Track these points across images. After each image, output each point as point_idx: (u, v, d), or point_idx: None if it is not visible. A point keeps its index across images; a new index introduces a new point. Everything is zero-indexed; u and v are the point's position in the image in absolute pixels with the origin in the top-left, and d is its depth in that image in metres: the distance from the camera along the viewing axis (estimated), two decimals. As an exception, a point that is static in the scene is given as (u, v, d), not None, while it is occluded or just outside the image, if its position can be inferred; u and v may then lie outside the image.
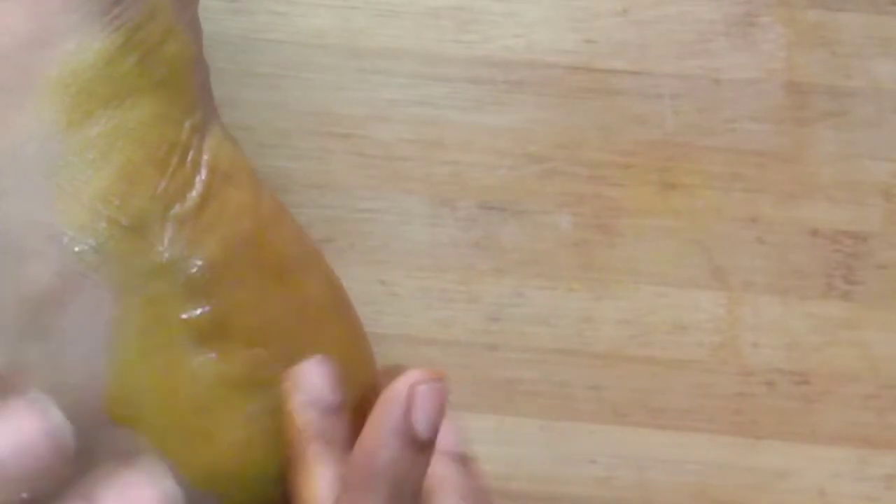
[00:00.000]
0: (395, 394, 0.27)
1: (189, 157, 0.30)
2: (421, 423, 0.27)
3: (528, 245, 0.39)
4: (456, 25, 0.40)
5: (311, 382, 0.30)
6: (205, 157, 0.30)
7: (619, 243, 0.39)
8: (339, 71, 0.39)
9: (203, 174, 0.30)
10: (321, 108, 0.39)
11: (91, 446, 0.27)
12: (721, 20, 0.40)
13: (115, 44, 0.28)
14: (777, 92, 0.40)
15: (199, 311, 0.29)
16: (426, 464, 0.28)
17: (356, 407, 0.31)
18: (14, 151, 0.27)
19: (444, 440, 0.29)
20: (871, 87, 0.40)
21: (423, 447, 0.27)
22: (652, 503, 0.38)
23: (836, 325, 0.39)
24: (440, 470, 0.30)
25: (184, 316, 0.29)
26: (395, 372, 0.29)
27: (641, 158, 0.39)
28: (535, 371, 0.38)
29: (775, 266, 0.39)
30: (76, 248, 0.27)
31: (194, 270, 0.29)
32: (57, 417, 0.25)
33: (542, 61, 0.40)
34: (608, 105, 0.39)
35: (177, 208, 0.29)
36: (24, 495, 0.24)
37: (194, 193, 0.29)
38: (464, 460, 0.31)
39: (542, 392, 0.38)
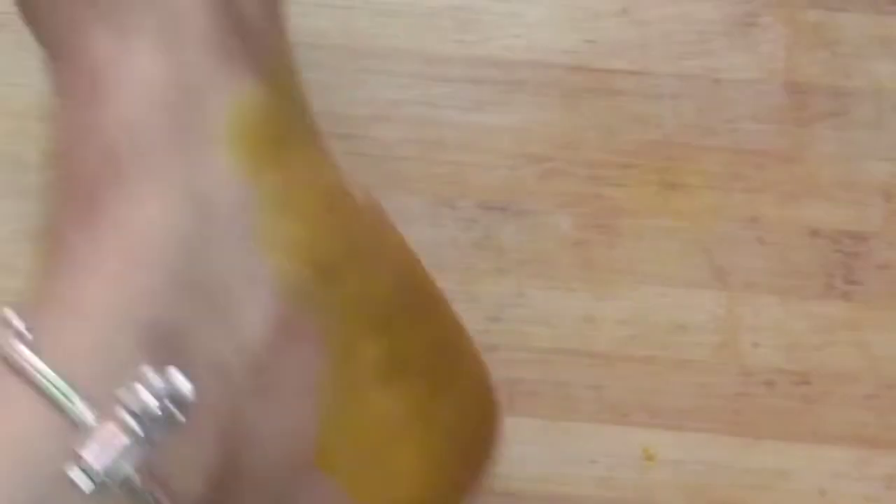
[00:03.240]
0: None
1: (350, 194, 0.30)
2: None
3: (528, 245, 0.39)
4: (456, 25, 0.40)
5: None
6: (357, 194, 0.30)
7: (619, 243, 0.39)
8: (339, 71, 0.39)
9: (362, 211, 0.30)
10: (321, 108, 0.39)
11: (294, 493, 0.28)
12: (721, 20, 0.40)
13: (264, 91, 0.28)
14: (777, 92, 0.40)
15: (381, 349, 0.29)
16: None
17: (490, 427, 0.32)
18: (210, 199, 0.27)
19: None
20: (871, 87, 0.40)
21: None
22: (652, 503, 0.38)
23: (836, 325, 0.39)
24: None
25: (369, 354, 0.29)
26: None
27: (641, 158, 0.39)
28: (535, 371, 0.38)
29: (775, 266, 0.39)
30: (279, 293, 0.27)
31: (372, 307, 0.29)
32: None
33: (542, 61, 0.40)
34: (608, 105, 0.39)
35: (352, 245, 0.29)
36: None
37: (364, 230, 0.29)
38: None
39: (542, 392, 0.38)
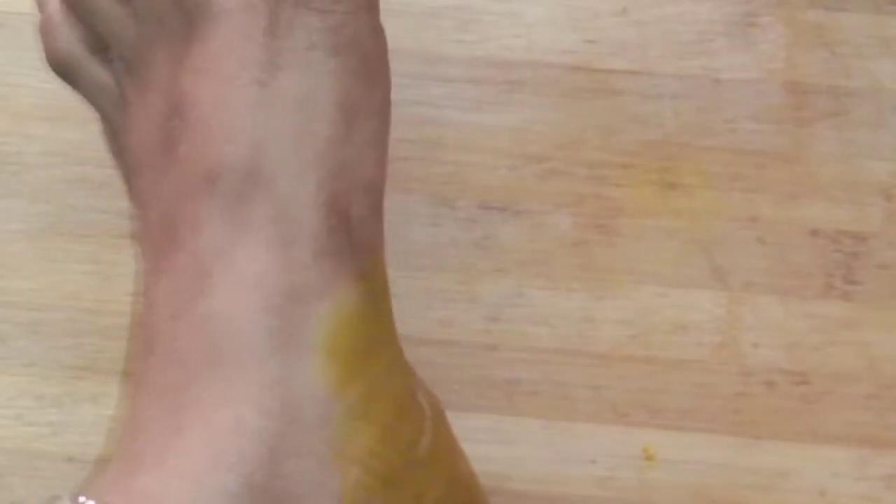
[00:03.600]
0: None
1: (417, 400, 0.30)
2: None
3: (528, 245, 0.39)
4: (456, 25, 0.40)
5: None
6: (420, 397, 0.31)
7: (619, 243, 0.39)
8: (339, 71, 0.39)
9: (427, 415, 0.30)
10: (321, 108, 0.39)
11: None
12: (721, 20, 0.40)
13: (362, 296, 0.29)
14: (777, 92, 0.40)
15: None
16: None
17: None
18: (297, 410, 0.28)
19: None
20: (871, 87, 0.40)
21: None
22: (652, 503, 0.38)
23: (836, 325, 0.39)
24: None
25: None
26: None
27: (641, 158, 0.39)
28: (535, 371, 0.38)
29: (775, 266, 0.39)
30: None
31: None
32: None
33: (542, 61, 0.40)
34: (608, 105, 0.39)
35: (414, 455, 0.29)
36: None
37: (426, 437, 0.30)
38: None
39: (542, 392, 0.38)
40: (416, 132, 0.39)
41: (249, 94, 0.29)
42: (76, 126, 0.38)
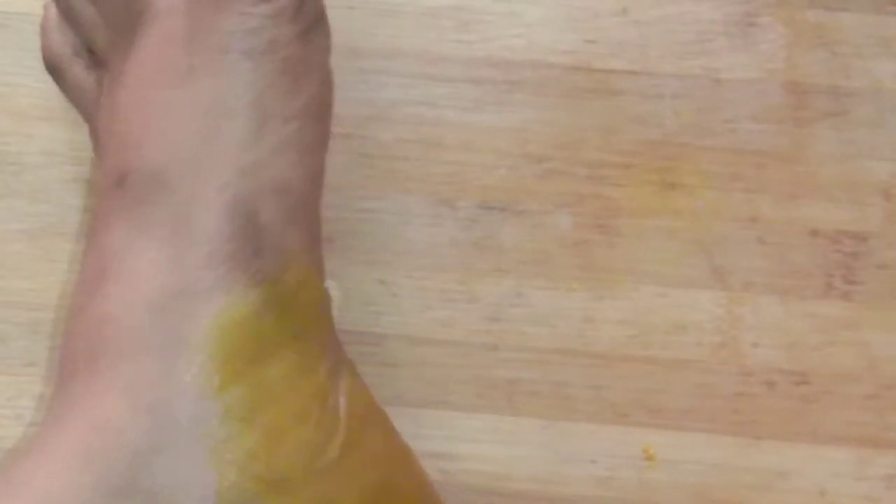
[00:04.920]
0: None
1: (328, 405, 0.30)
2: None
3: (528, 245, 0.39)
4: (456, 25, 0.40)
5: None
6: (341, 401, 0.30)
7: (619, 243, 0.39)
8: (339, 71, 0.39)
9: (342, 421, 0.30)
10: (321, 108, 0.39)
11: None
12: (721, 20, 0.40)
13: (258, 299, 0.29)
14: (777, 92, 0.40)
15: None
16: None
17: None
18: (168, 409, 0.28)
19: None
20: (871, 87, 0.40)
21: None
22: (652, 503, 0.38)
23: (836, 325, 0.39)
24: None
25: None
26: None
27: (641, 158, 0.39)
28: (535, 371, 0.38)
29: (775, 266, 0.39)
30: None
31: None
32: None
33: (542, 61, 0.40)
34: (608, 105, 0.39)
35: (320, 461, 0.29)
36: None
37: (335, 443, 0.29)
38: None
39: (542, 392, 0.38)
40: (416, 132, 0.39)
41: (164, 98, 0.29)
42: (76, 126, 0.38)
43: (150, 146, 0.29)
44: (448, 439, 0.38)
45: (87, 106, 0.34)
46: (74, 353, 0.29)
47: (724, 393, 0.38)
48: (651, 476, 0.38)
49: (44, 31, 0.35)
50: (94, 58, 0.33)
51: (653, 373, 0.38)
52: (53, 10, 0.34)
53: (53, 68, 0.35)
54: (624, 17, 0.40)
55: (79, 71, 0.34)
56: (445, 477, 0.38)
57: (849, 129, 0.39)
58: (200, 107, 0.29)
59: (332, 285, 0.38)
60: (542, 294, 0.39)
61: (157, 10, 0.30)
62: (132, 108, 0.30)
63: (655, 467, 0.38)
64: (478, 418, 0.38)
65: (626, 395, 0.38)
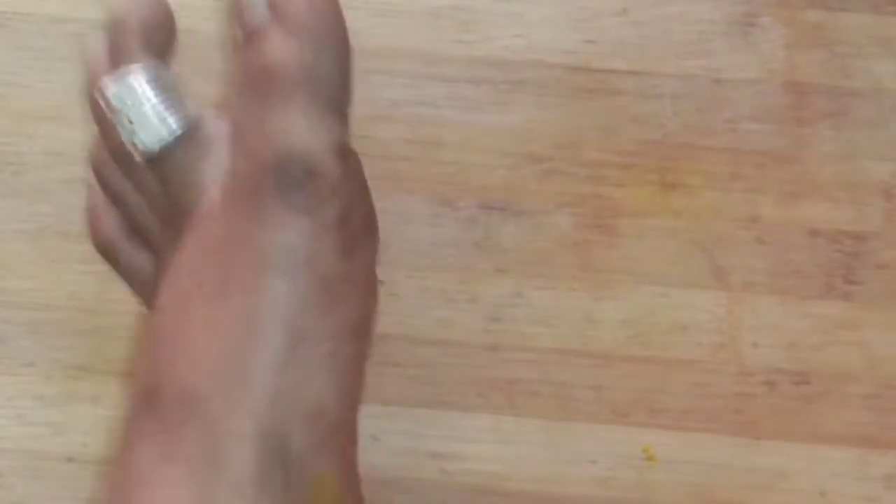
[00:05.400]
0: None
1: None
2: None
3: (528, 245, 0.39)
4: (456, 25, 0.40)
5: None
6: None
7: (619, 243, 0.39)
8: (339, 71, 0.39)
9: None
10: (321, 108, 0.39)
11: None
12: (721, 20, 0.40)
13: None
14: (777, 92, 0.40)
15: None
16: None
17: None
18: None
19: None
20: (871, 87, 0.40)
21: None
22: (652, 503, 0.38)
23: (836, 325, 0.39)
24: None
25: None
26: None
27: (641, 158, 0.39)
28: (535, 371, 0.38)
29: (775, 266, 0.39)
30: None
31: None
32: None
33: (542, 61, 0.40)
34: (608, 105, 0.39)
35: None
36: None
37: None
38: None
39: (542, 392, 0.38)
40: (416, 132, 0.39)
41: (198, 312, 0.28)
42: (76, 126, 0.38)
43: (180, 364, 0.27)
44: (448, 439, 0.38)
45: (140, 287, 0.32)
46: None
47: (724, 393, 0.38)
48: (651, 476, 0.38)
49: (91, 214, 0.33)
50: (148, 237, 0.32)
51: (653, 373, 0.38)
52: (100, 195, 0.32)
53: (106, 252, 0.33)
54: (624, 17, 0.40)
55: (132, 253, 0.32)
56: (445, 477, 0.38)
57: (849, 129, 0.39)
58: (232, 327, 0.27)
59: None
60: (542, 294, 0.39)
61: (200, 213, 0.28)
62: (164, 320, 0.28)
63: (655, 467, 0.38)
64: (478, 418, 0.38)
65: (626, 395, 0.38)
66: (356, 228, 0.29)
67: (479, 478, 0.38)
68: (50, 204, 0.39)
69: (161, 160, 0.29)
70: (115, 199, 0.32)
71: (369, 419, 0.37)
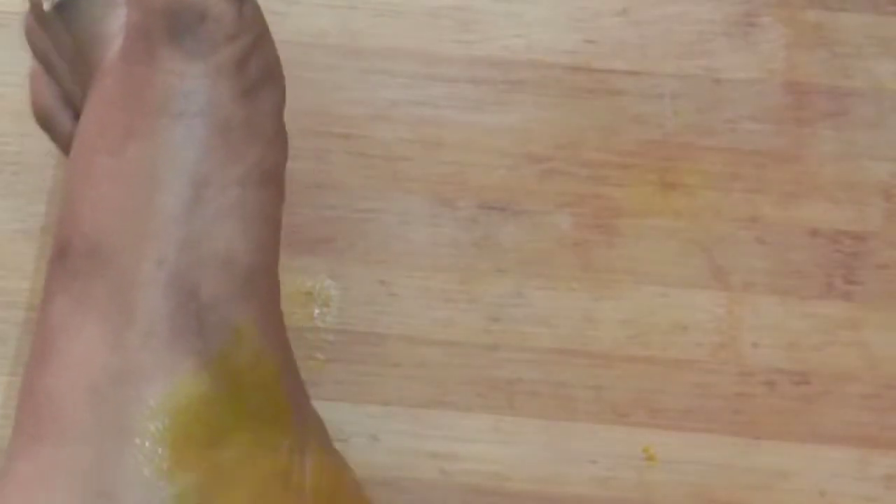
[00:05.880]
0: None
1: (292, 484, 0.29)
2: None
3: (528, 245, 0.39)
4: (456, 25, 0.40)
5: None
6: (307, 480, 0.29)
7: (619, 243, 0.39)
8: (339, 71, 0.39)
9: (308, 500, 0.29)
10: (321, 108, 0.39)
11: None
12: (721, 20, 0.40)
13: (205, 381, 0.27)
14: (777, 92, 0.40)
15: None
16: None
17: None
18: (116, 497, 0.26)
19: None
20: (871, 87, 0.40)
21: None
22: (652, 503, 0.38)
23: (836, 325, 0.39)
24: None
25: None
26: None
27: (641, 158, 0.39)
28: (535, 371, 0.38)
29: (775, 266, 0.39)
30: None
31: None
32: None
33: (542, 61, 0.40)
34: (608, 105, 0.39)
35: None
36: None
37: None
38: None
39: (542, 392, 0.38)
40: (416, 132, 0.39)
41: (101, 164, 0.28)
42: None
43: (86, 217, 0.28)
44: (448, 439, 0.38)
45: None
46: (22, 429, 0.28)
47: (724, 393, 0.38)
48: (651, 476, 0.38)
49: (31, 83, 0.34)
50: (75, 103, 0.32)
51: (653, 373, 0.38)
52: (37, 61, 0.33)
53: (43, 120, 0.33)
54: (624, 17, 0.40)
55: (66, 122, 0.33)
56: (445, 477, 0.38)
57: (849, 129, 0.39)
58: (133, 175, 0.28)
59: (331, 285, 0.38)
60: (542, 294, 0.39)
61: (103, 65, 0.29)
62: (74, 175, 0.29)
63: (655, 467, 0.38)
64: (478, 418, 0.38)
65: (626, 395, 0.38)
66: (256, 75, 0.29)
67: (479, 478, 0.38)
68: (50, 204, 0.39)
69: (67, 7, 0.29)
70: (47, 66, 0.32)
71: (369, 419, 0.37)
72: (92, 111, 0.29)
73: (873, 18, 0.40)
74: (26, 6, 0.33)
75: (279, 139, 0.30)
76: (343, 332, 0.36)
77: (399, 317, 0.38)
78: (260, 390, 0.29)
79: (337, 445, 0.33)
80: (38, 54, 0.33)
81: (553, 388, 0.38)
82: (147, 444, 0.27)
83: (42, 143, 0.39)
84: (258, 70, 0.29)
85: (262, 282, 0.29)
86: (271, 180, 0.30)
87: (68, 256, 0.28)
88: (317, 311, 0.38)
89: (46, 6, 0.30)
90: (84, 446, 0.27)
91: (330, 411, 0.34)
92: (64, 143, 0.33)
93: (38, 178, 0.39)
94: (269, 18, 0.39)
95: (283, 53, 0.39)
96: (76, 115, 0.32)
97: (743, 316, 0.39)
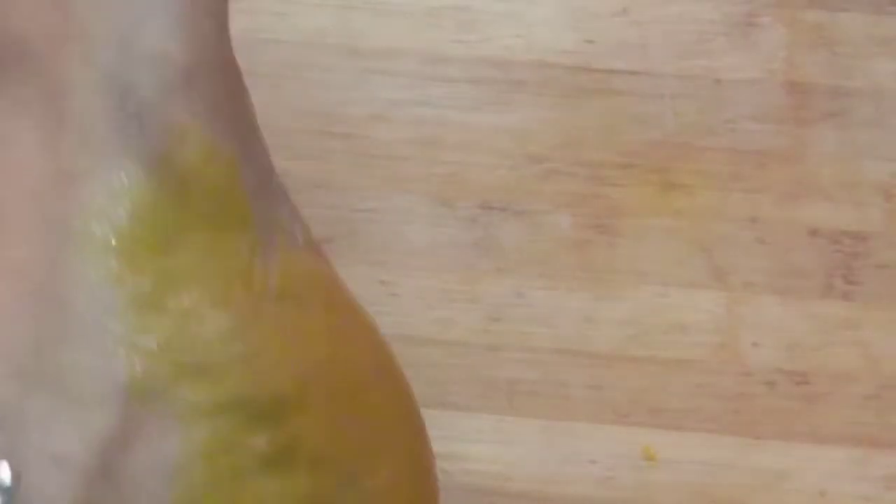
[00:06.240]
0: None
1: (254, 285, 0.28)
2: None
3: (528, 245, 0.39)
4: (456, 25, 0.40)
5: None
6: (271, 280, 0.28)
7: (619, 243, 0.39)
8: (339, 71, 0.39)
9: (270, 302, 0.28)
10: (321, 108, 0.39)
11: None
12: (721, 20, 0.40)
13: (150, 182, 0.27)
14: (777, 92, 0.40)
15: (264, 441, 0.28)
16: None
17: None
18: (61, 297, 0.26)
19: None
20: (871, 87, 0.40)
21: None
22: (652, 503, 0.38)
23: (836, 325, 0.39)
24: None
25: (249, 445, 0.28)
26: None
27: (641, 158, 0.39)
28: (535, 371, 0.38)
29: (775, 266, 0.39)
30: (138, 394, 0.26)
31: (261, 404, 0.28)
32: None
33: (542, 61, 0.40)
34: (608, 105, 0.39)
35: (243, 345, 0.27)
36: None
37: (262, 327, 0.28)
38: None
39: (542, 392, 0.38)
40: (416, 132, 0.39)
41: None
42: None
43: (13, 17, 0.27)
44: (448, 439, 0.38)
45: None
46: None
47: (724, 393, 0.38)
48: (651, 476, 0.38)
49: None
50: None
51: (653, 373, 0.38)
52: None
53: None
54: (624, 17, 0.40)
55: None
56: (445, 477, 0.38)
57: (849, 129, 0.39)
58: None
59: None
60: (542, 294, 0.39)
61: None
62: None
63: (655, 467, 0.38)
64: (478, 418, 0.38)
65: (626, 395, 0.38)
66: None
67: (479, 478, 0.38)
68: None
69: None
70: None
71: (369, 419, 0.37)
72: None
73: (873, 18, 0.40)
74: None
75: None
76: (343, 332, 0.36)
77: (399, 317, 0.38)
78: (212, 190, 0.28)
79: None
80: None
81: (553, 388, 0.38)
82: (93, 248, 0.26)
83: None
84: None
85: (208, 77, 0.28)
86: None
87: (1, 63, 0.27)
88: (317, 311, 0.38)
89: None
90: (29, 251, 0.26)
91: (330, 411, 0.34)
92: None
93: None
94: (269, 18, 0.39)
95: (283, 53, 0.39)
96: None
97: (743, 316, 0.39)
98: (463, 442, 0.38)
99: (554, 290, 0.39)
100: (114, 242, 0.26)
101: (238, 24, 0.38)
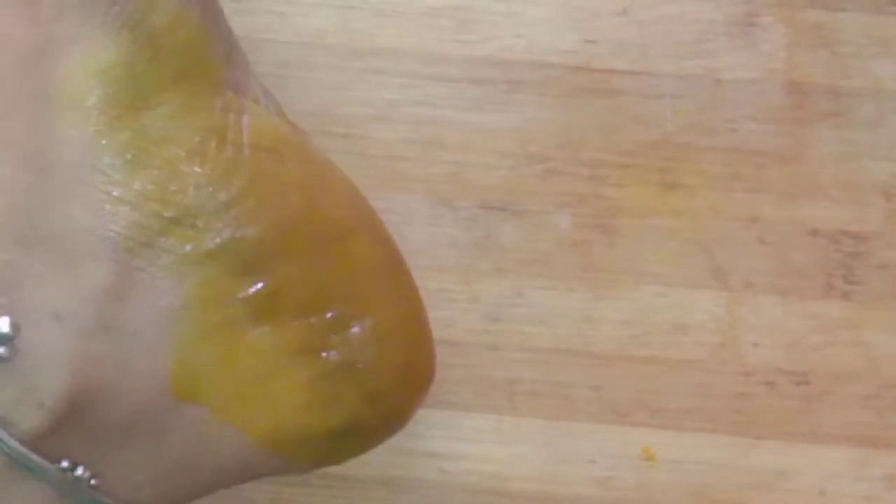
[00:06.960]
0: None
1: (227, 140, 0.30)
2: None
3: (528, 245, 0.39)
4: (456, 25, 0.40)
5: None
6: (245, 136, 0.30)
7: (619, 243, 0.39)
8: (339, 71, 0.39)
9: (246, 155, 0.30)
10: (321, 108, 0.39)
11: (161, 423, 0.29)
12: (721, 20, 0.40)
13: (124, 45, 0.29)
14: (777, 92, 0.40)
15: (252, 289, 0.30)
16: None
17: (406, 363, 0.32)
18: (48, 161, 0.28)
19: None
20: (871, 87, 0.40)
21: None
22: (652, 503, 0.38)
23: (836, 325, 0.39)
24: None
25: (239, 294, 0.30)
26: None
27: (641, 158, 0.39)
28: (535, 371, 0.38)
29: (775, 266, 0.39)
30: (127, 247, 0.28)
31: (245, 251, 0.30)
32: None
33: (542, 61, 0.40)
34: (608, 105, 0.39)
35: (223, 194, 0.29)
36: None
37: (239, 177, 0.30)
38: None
39: (542, 392, 0.38)
40: (416, 132, 0.39)
41: None
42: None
43: None
44: (448, 439, 0.38)
45: None
46: None
47: (724, 393, 0.38)
48: (651, 476, 0.38)
49: None
50: None
51: (653, 373, 0.38)
52: None
53: None
54: (624, 17, 0.40)
55: None
56: (445, 477, 0.38)
57: (849, 129, 0.39)
58: None
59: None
60: (542, 294, 0.39)
61: None
62: None
63: (655, 467, 0.38)
64: (478, 418, 0.38)
65: (626, 395, 0.38)
66: None
67: (478, 478, 0.38)
68: None
69: None
70: None
71: (369, 419, 0.37)
72: None
73: (873, 18, 0.40)
74: None
75: None
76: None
77: (399, 317, 0.38)
78: (183, 52, 0.30)
79: (337, 445, 0.33)
80: None
81: (553, 387, 0.38)
82: (73, 109, 0.28)
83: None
84: None
85: None
86: None
87: None
88: (317, 311, 0.38)
89: None
90: (15, 119, 0.28)
91: (330, 411, 0.34)
92: None
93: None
94: (268, 18, 0.39)
95: (283, 53, 0.39)
96: None
97: (743, 316, 0.39)
98: (463, 442, 0.38)
99: (554, 290, 0.39)
100: (94, 103, 0.28)
101: (238, 25, 0.39)
